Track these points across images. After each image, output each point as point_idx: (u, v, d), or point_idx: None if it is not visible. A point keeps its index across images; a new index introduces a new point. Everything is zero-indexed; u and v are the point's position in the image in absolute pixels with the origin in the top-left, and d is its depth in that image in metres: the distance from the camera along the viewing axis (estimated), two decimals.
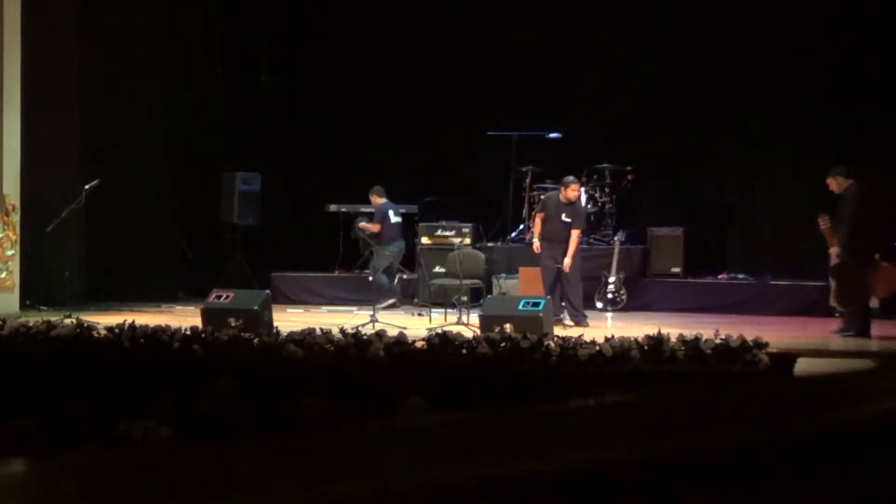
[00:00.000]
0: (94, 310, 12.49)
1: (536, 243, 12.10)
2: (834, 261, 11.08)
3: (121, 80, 14.15)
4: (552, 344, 8.84)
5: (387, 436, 1.36)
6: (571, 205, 12.09)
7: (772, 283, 13.73)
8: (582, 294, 12.03)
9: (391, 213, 13.96)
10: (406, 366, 8.76)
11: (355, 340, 9.09)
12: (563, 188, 12.15)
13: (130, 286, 14.02)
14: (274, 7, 16.27)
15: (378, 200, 14.10)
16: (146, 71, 14.46)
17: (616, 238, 14.14)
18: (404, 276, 13.85)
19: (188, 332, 9.44)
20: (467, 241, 13.77)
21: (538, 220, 12.25)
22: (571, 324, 11.60)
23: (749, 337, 8.67)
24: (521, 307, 10.32)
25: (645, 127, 14.74)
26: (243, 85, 15.82)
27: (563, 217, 11.96)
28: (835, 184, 11.25)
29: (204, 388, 6.84)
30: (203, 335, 9.42)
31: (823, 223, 11.12)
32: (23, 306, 12.71)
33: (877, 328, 12.16)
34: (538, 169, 14.40)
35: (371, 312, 11.48)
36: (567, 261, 11.74)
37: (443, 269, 13.37)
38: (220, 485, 1.14)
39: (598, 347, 8.66)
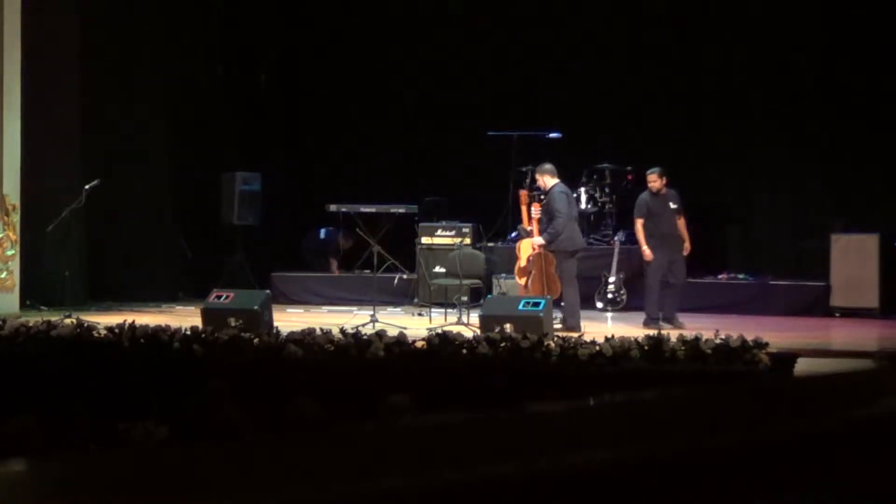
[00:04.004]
0: (94, 310, 12.50)
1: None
2: (536, 250, 11.44)
3: (121, 80, 14.16)
4: (552, 344, 8.83)
5: (387, 436, 1.36)
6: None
7: (772, 283, 13.72)
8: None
9: None
10: (406, 366, 8.76)
11: (355, 340, 9.09)
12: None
13: (130, 286, 14.02)
14: (274, 7, 16.27)
15: None
16: (146, 71, 14.46)
17: (616, 238, 14.14)
18: (404, 276, 13.84)
19: (188, 332, 9.43)
20: (467, 241, 13.76)
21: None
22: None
23: (749, 337, 8.66)
24: (521, 307, 10.32)
25: (645, 127, 14.74)
26: (243, 85, 15.83)
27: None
28: (542, 181, 11.72)
29: (204, 389, 6.84)
30: (203, 335, 9.41)
31: (536, 213, 11.53)
32: (23, 306, 12.71)
33: (876, 327, 12.18)
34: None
35: (371, 312, 11.48)
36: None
37: (443, 269, 13.37)
38: (220, 485, 1.14)
39: (598, 347, 8.66)
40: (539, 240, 11.38)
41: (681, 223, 11.92)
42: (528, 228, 11.63)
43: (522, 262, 11.67)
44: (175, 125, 14.78)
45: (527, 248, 11.58)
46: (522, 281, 11.60)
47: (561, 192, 11.54)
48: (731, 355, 8.51)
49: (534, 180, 14.28)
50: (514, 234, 14.48)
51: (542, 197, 12.86)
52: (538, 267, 11.41)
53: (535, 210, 11.60)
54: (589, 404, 1.51)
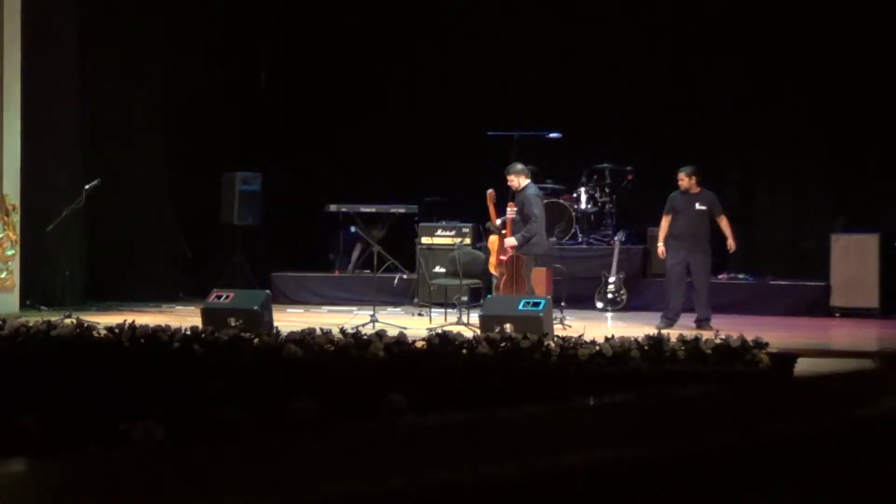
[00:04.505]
0: (94, 310, 12.50)
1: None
2: (509, 253, 11.42)
3: (121, 79, 14.16)
4: (552, 344, 8.83)
5: (387, 436, 1.36)
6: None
7: (772, 283, 13.72)
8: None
9: None
10: (406, 366, 8.76)
11: (355, 340, 9.09)
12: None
13: (130, 286, 14.02)
14: (274, 7, 16.27)
15: None
16: (146, 71, 14.46)
17: (616, 238, 14.14)
18: (404, 276, 13.84)
19: (188, 332, 9.43)
20: (467, 241, 13.76)
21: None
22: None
23: (749, 337, 8.66)
24: (521, 307, 10.31)
25: (645, 127, 14.73)
26: (243, 85, 15.83)
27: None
28: (515, 181, 11.65)
29: (204, 389, 6.84)
30: (203, 335, 9.42)
31: (511, 213, 11.49)
32: (23, 306, 12.71)
33: (876, 327, 12.18)
34: (538, 169, 14.39)
35: (371, 312, 11.48)
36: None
37: (443, 269, 13.37)
38: (220, 485, 1.13)
39: (598, 347, 8.66)
40: (511, 241, 11.37)
41: (722, 223, 11.87)
42: (498, 223, 11.61)
43: (493, 261, 11.72)
44: (175, 125, 14.78)
45: (497, 246, 11.60)
46: (497, 272, 11.65)
47: (535, 194, 11.59)
48: (731, 355, 8.51)
49: (534, 180, 14.30)
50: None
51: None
52: (509, 270, 11.42)
53: (511, 210, 11.53)
54: (589, 404, 1.51)
